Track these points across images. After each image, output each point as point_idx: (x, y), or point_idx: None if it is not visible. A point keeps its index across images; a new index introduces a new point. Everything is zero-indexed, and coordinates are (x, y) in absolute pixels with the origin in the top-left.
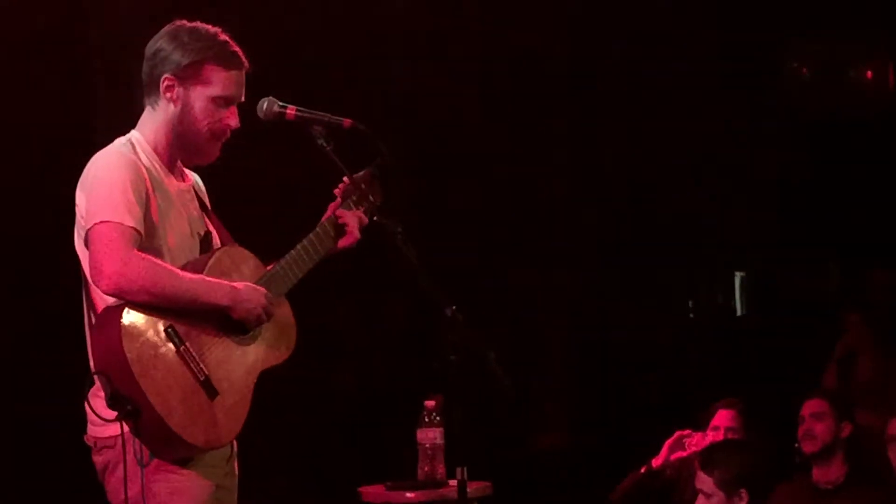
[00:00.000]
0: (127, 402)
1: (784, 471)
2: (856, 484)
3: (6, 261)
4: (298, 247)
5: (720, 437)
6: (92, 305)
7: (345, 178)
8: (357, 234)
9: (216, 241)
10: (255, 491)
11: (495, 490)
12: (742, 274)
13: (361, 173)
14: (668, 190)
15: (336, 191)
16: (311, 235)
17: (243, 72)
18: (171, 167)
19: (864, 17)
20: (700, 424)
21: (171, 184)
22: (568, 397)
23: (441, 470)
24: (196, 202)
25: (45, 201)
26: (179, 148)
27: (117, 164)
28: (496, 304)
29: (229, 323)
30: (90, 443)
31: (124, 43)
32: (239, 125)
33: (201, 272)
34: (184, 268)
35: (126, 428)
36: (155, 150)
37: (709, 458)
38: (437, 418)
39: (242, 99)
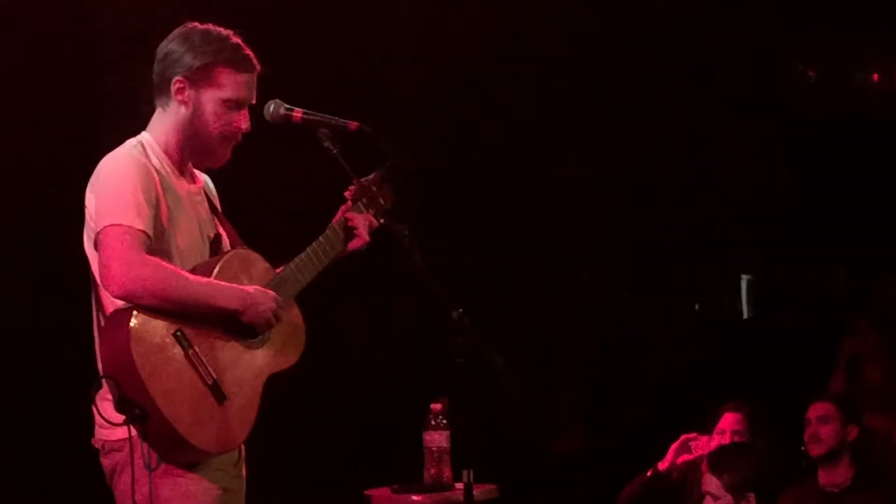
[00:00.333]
0: (135, 406)
1: (791, 474)
2: (862, 487)
3: (10, 261)
4: (308, 250)
5: (726, 440)
6: (100, 307)
7: (356, 180)
8: (367, 238)
9: (226, 243)
10: (261, 493)
11: (501, 493)
12: (749, 277)
13: (372, 176)
14: (674, 192)
15: (346, 193)
16: (321, 238)
17: (255, 75)
18: (181, 169)
19: (870, 19)
20: (706, 428)
21: (182, 186)
22: (575, 401)
23: (447, 473)
24: (206, 204)
25: (52, 202)
26: (190, 150)
27: (127, 166)
28: (506, 308)
29: (238, 326)
30: (98, 445)
31: (130, 43)
32: (250, 128)
33: (210, 275)
34: (193, 271)
35: (134, 431)
36: (165, 151)
37: (717, 460)
38: (444, 421)
39: (253, 101)
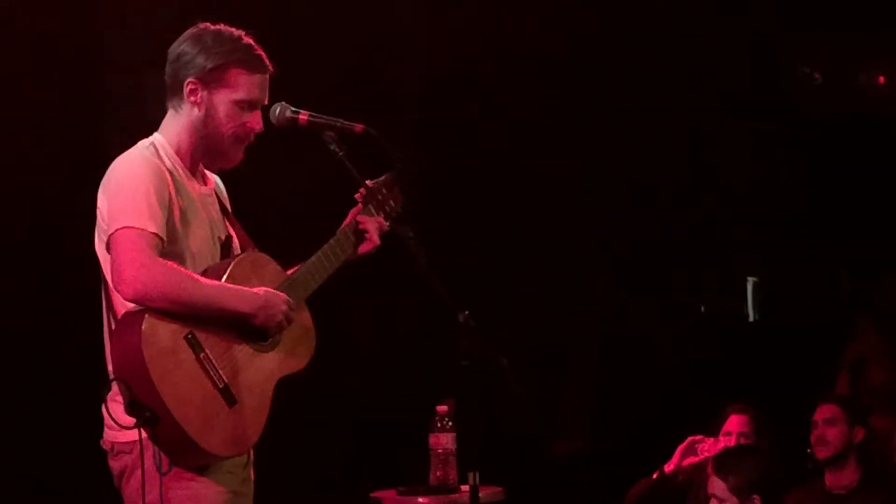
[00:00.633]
0: (145, 410)
1: (797, 476)
2: (869, 489)
3: (10, 262)
4: (319, 252)
5: (732, 442)
6: (111, 309)
7: (367, 183)
8: (377, 241)
9: (236, 245)
10: (267, 495)
11: (507, 495)
12: (755, 279)
13: (382, 178)
14: (676, 192)
15: (357, 195)
16: (331, 241)
17: (267, 75)
18: (193, 170)
19: (876, 21)
20: (712, 430)
21: (194, 187)
22: (578, 402)
23: (453, 475)
24: (217, 206)
25: (53, 202)
26: (203, 151)
27: (140, 167)
28: (509, 309)
29: (249, 329)
30: (106, 447)
31: (132, 43)
32: (263, 129)
33: (221, 278)
34: (204, 273)
35: (144, 434)
36: (178, 153)
37: (722, 463)
38: (450, 423)
39: (266, 102)
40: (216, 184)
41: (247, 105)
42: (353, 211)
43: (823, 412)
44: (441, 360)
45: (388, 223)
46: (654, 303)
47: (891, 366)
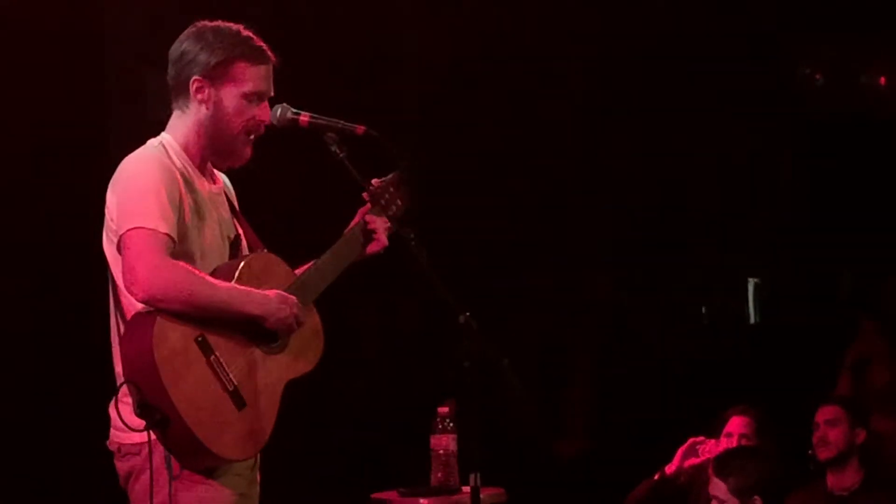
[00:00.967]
0: (155, 412)
1: (798, 478)
2: (871, 490)
3: (10, 262)
4: (328, 253)
5: (733, 443)
6: (120, 309)
7: (373, 182)
8: (385, 241)
9: (245, 244)
10: (268, 496)
11: (509, 496)
12: (756, 280)
13: (389, 177)
14: (680, 196)
15: (365, 195)
16: (340, 241)
17: (271, 66)
18: (202, 169)
19: (877, 22)
20: (713, 431)
21: (203, 186)
22: (582, 404)
23: (454, 476)
24: (226, 205)
25: (54, 203)
26: (213, 149)
27: (151, 167)
28: (513, 310)
29: (259, 332)
30: (113, 448)
31: (135, 45)
32: (270, 120)
33: (231, 279)
34: (213, 273)
35: (153, 436)
36: (186, 151)
37: (723, 464)
38: (451, 424)
39: (272, 94)
40: (224, 183)
41: (255, 97)
42: (361, 211)
43: (825, 413)
44: (442, 360)
45: (394, 224)
46: (655, 303)
47: (893, 367)
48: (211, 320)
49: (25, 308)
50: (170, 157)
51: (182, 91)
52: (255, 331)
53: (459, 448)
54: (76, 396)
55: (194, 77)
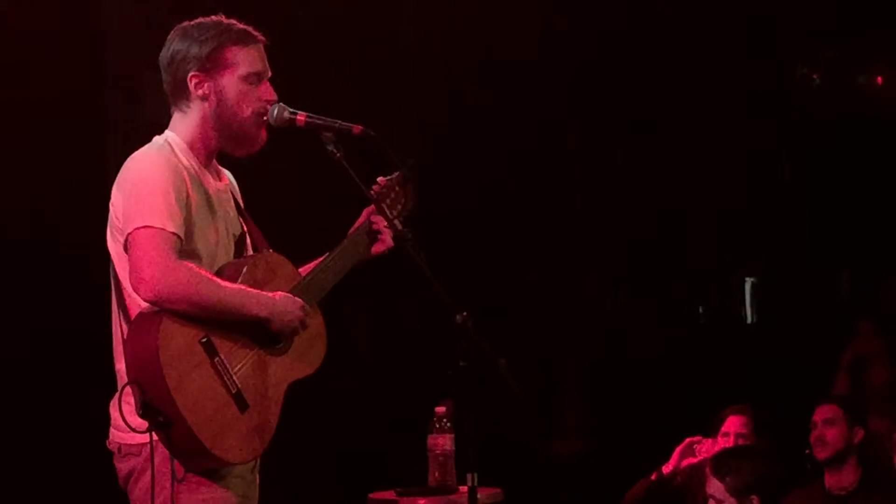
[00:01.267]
0: (158, 414)
1: (796, 477)
2: (869, 490)
3: (9, 263)
4: (334, 253)
5: (730, 443)
6: (124, 308)
7: (378, 180)
8: (391, 242)
9: (250, 242)
10: (265, 497)
11: (506, 496)
12: (752, 280)
13: (394, 176)
14: (677, 196)
15: (370, 194)
16: (345, 242)
17: (261, 45)
18: (207, 167)
19: (874, 22)
20: (710, 431)
21: (209, 183)
22: (579, 404)
23: (451, 476)
24: (232, 202)
25: (58, 203)
26: (227, 139)
27: (157, 165)
28: (511, 310)
29: (263, 333)
30: (113, 448)
31: (132, 46)
32: (277, 98)
33: (237, 279)
34: (219, 273)
35: (155, 437)
36: (192, 149)
37: (721, 463)
38: (448, 424)
39: (270, 73)
40: (230, 180)
41: (254, 78)
42: (366, 211)
43: (823, 412)
44: (439, 360)
45: (401, 223)
46: (652, 303)
47: (890, 367)
48: (216, 321)
49: (24, 307)
50: (176, 155)
51: (181, 92)
52: (259, 332)
53: (456, 448)
54: (76, 395)
55: (191, 73)
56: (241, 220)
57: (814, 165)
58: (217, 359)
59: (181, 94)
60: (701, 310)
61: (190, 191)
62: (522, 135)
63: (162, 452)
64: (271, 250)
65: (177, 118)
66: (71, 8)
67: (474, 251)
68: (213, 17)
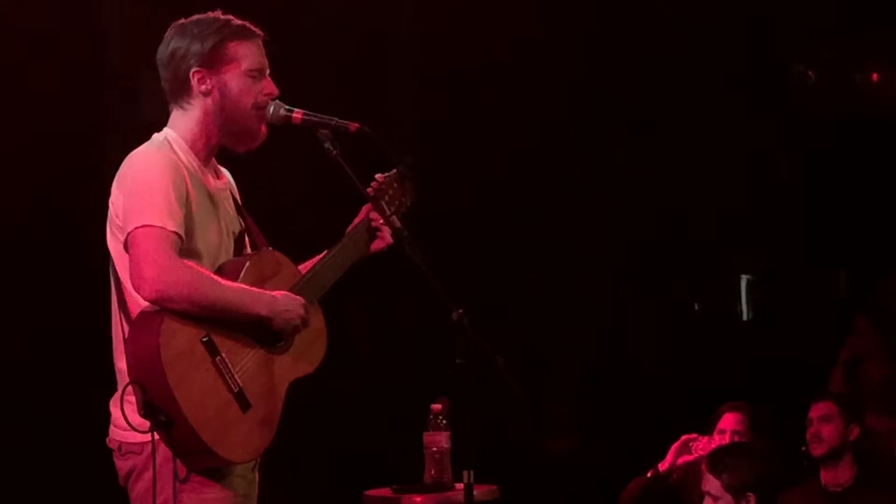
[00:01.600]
0: (160, 413)
1: (792, 474)
2: (865, 487)
3: (11, 260)
4: (334, 251)
5: (726, 440)
6: (124, 306)
7: (376, 177)
8: (390, 239)
9: (249, 240)
10: (260, 494)
11: (503, 494)
12: (748, 277)
13: (391, 173)
14: (673, 193)
15: (368, 191)
16: (345, 239)
17: (260, 40)
18: (206, 165)
19: (870, 19)
20: (706, 428)
21: (208, 181)
22: (574, 401)
23: (448, 473)
24: (231, 200)
25: (57, 203)
26: (228, 135)
27: (157, 164)
28: (504, 307)
29: (264, 332)
30: (113, 446)
31: (131, 45)
32: (278, 91)
33: (237, 278)
34: (219, 271)
35: (157, 436)
36: (192, 147)
37: (717, 461)
38: (444, 422)
39: (269, 68)
40: (229, 179)
41: (256, 73)
42: (365, 208)
43: (819, 409)
44: (436, 358)
45: (399, 219)
46: (648, 300)
47: (888, 364)
48: (217, 320)
49: (23, 307)
50: (175, 153)
51: (182, 89)
52: (260, 331)
53: (453, 445)
54: (76, 394)
55: (193, 70)
56: (239, 218)
57: (810, 161)
58: (218, 358)
59: (182, 92)
60: (697, 307)
61: (190, 189)
62: (522, 135)
63: (163, 451)
64: (271, 248)
65: (176, 116)
66: (70, 8)
67: (473, 251)
68: (210, 14)
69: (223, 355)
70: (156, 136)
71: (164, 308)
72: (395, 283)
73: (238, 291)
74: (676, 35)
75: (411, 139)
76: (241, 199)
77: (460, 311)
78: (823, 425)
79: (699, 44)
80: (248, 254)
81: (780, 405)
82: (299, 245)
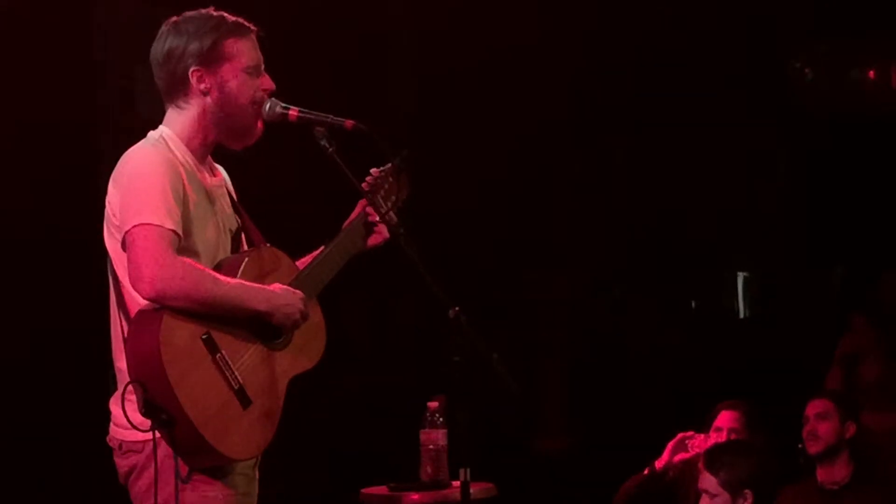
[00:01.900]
0: (161, 412)
1: (789, 472)
2: (861, 484)
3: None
4: (331, 246)
5: (723, 438)
6: (123, 304)
7: (372, 172)
8: (387, 233)
9: (246, 237)
10: (260, 492)
11: (499, 492)
12: (745, 274)
13: (386, 167)
14: (669, 190)
15: (364, 185)
16: (342, 234)
17: (254, 36)
18: (202, 163)
19: (866, 17)
20: (703, 426)
21: (205, 179)
22: (570, 399)
23: (444, 471)
24: (227, 198)
25: (55, 203)
26: (226, 133)
27: (154, 162)
28: (498, 306)
29: (263, 328)
30: (114, 445)
31: (125, 46)
32: (274, 86)
33: (235, 274)
34: (217, 268)
35: (158, 434)
36: (188, 145)
37: (714, 458)
38: (441, 419)
39: (263, 63)
40: (224, 176)
41: (253, 69)
42: (361, 203)
43: (815, 407)
44: (433, 355)
45: (395, 214)
46: (647, 301)
47: (886, 363)
48: (216, 317)
49: (20, 307)
50: (171, 151)
51: (179, 88)
52: (259, 327)
53: (449, 443)
54: (75, 393)
55: (192, 69)
56: (236, 215)
57: (807, 159)
58: (218, 355)
59: (179, 90)
60: (693, 304)
61: (186, 186)
62: (522, 135)
63: (164, 450)
64: (268, 245)
65: (172, 114)
66: (65, 7)
67: (472, 250)
68: (202, 11)
69: (223, 352)
70: (151, 133)
71: (163, 306)
72: (392, 280)
73: (236, 287)
74: (676, 35)
75: (411, 139)
76: (236, 196)
77: (456, 308)
78: (820, 423)
79: (699, 44)
80: (246, 250)
81: (777, 403)
82: (295, 241)
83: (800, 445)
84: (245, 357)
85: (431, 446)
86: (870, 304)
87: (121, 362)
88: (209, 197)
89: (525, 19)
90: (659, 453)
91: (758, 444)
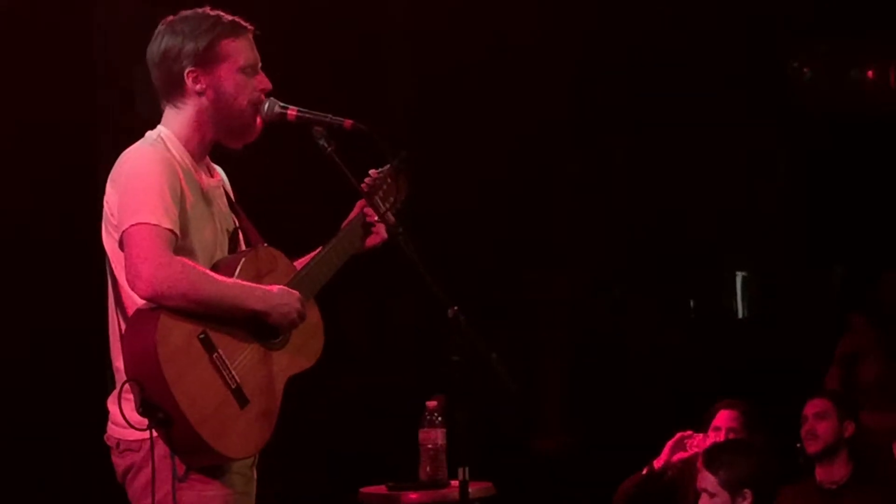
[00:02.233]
0: (159, 411)
1: (787, 471)
2: (860, 484)
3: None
4: (328, 246)
5: (721, 437)
6: (120, 303)
7: (371, 173)
8: (385, 234)
9: (244, 237)
10: (257, 491)
11: (498, 491)
12: (744, 274)
13: (385, 168)
14: (669, 190)
15: (362, 186)
16: (340, 235)
17: (251, 35)
18: (200, 163)
19: (865, 16)
20: (701, 425)
21: (202, 179)
22: (569, 399)
23: (443, 470)
24: (225, 198)
25: (53, 202)
26: (224, 132)
27: (152, 161)
28: (498, 306)
29: (261, 328)
30: (111, 443)
31: (124, 46)
32: (271, 86)
33: (232, 274)
34: (214, 268)
35: (155, 433)
36: (186, 145)
37: (712, 457)
38: (439, 419)
39: (260, 63)
40: (222, 176)
41: (250, 69)
42: (359, 203)
43: (814, 406)
44: (431, 355)
45: (394, 215)
46: (646, 301)
47: (885, 362)
48: (213, 317)
49: (19, 306)
50: (169, 151)
51: (175, 88)
52: (256, 326)
53: (448, 442)
54: (75, 393)
55: (188, 70)
56: (233, 215)
57: (806, 158)
58: (216, 354)
59: (175, 91)
60: (692, 304)
61: (184, 186)
62: (522, 135)
63: (161, 449)
64: (266, 245)
65: (170, 114)
66: (65, 7)
67: (471, 250)
68: (198, 11)
69: (220, 351)
70: (149, 133)
71: (160, 305)
72: (390, 281)
73: (234, 287)
74: (676, 35)
75: (410, 139)
76: (234, 196)
77: (455, 308)
78: (818, 422)
79: (699, 44)
80: (244, 251)
81: (777, 402)
82: (293, 241)
83: (798, 445)
84: (242, 357)
85: (430, 446)
86: (870, 304)
87: (119, 361)
88: (207, 197)
89: (525, 19)
90: (658, 453)
91: (758, 444)
